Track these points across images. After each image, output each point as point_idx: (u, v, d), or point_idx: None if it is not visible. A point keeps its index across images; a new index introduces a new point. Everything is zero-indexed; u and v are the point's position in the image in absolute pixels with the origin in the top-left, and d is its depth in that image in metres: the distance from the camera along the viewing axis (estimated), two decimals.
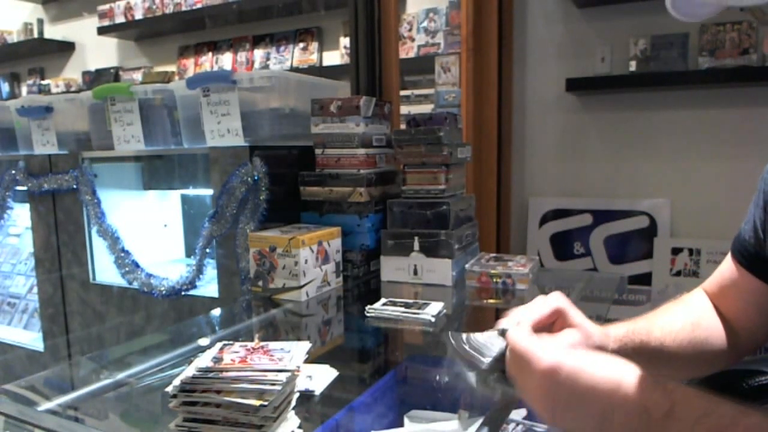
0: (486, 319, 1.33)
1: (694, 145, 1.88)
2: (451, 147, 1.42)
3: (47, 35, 3.76)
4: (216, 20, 3.08)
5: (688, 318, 0.85)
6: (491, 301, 1.33)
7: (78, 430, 0.77)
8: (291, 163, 1.53)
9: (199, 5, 2.99)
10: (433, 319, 1.15)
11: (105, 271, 1.81)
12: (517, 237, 2.12)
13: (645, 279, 1.92)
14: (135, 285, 1.69)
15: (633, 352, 0.78)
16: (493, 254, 1.53)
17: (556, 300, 0.74)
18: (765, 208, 0.79)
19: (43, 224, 1.88)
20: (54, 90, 3.69)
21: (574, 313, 0.74)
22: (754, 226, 0.81)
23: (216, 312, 1.43)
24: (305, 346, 0.72)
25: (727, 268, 0.87)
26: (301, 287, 1.27)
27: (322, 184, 1.48)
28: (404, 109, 2.28)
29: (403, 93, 2.32)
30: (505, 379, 0.68)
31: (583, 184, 2.04)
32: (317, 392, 0.84)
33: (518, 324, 0.69)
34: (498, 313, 1.32)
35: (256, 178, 1.42)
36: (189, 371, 0.65)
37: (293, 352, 0.70)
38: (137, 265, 1.71)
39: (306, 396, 0.82)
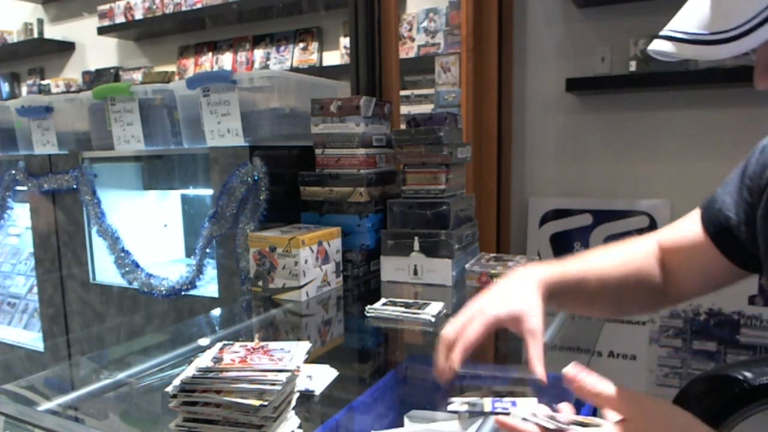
0: None
1: (694, 145, 1.88)
2: (451, 147, 1.42)
3: (47, 35, 3.76)
4: (216, 20, 3.08)
5: (630, 262, 0.88)
6: None
7: (78, 430, 0.77)
8: (291, 163, 1.53)
9: (199, 5, 2.99)
10: (433, 319, 1.15)
11: (105, 271, 1.81)
12: (517, 237, 2.12)
13: None
14: (135, 285, 1.69)
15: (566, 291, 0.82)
16: (493, 254, 1.53)
17: (483, 317, 0.73)
18: (750, 188, 0.78)
19: (43, 224, 1.88)
20: (54, 90, 3.69)
21: (516, 311, 0.73)
22: (737, 202, 0.80)
23: (216, 312, 1.43)
24: (305, 346, 0.72)
25: (692, 230, 0.87)
26: (301, 287, 1.27)
27: (322, 184, 1.48)
28: (404, 109, 2.28)
29: (403, 93, 2.32)
30: None
31: (583, 184, 2.04)
32: (317, 392, 0.84)
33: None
34: None
35: (256, 178, 1.42)
36: (189, 371, 0.65)
37: (293, 352, 0.70)
38: (137, 265, 1.71)
39: (306, 396, 0.82)
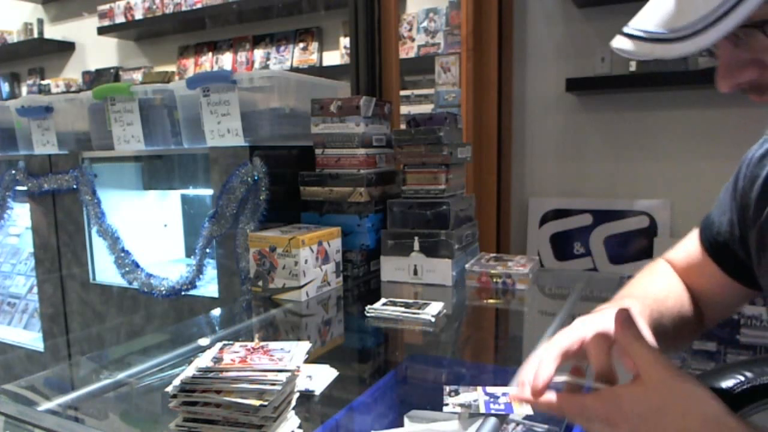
0: (486, 319, 1.33)
1: (694, 145, 1.88)
2: (451, 147, 1.42)
3: (47, 35, 3.76)
4: (216, 20, 3.08)
5: (676, 294, 0.85)
6: (491, 301, 1.33)
7: (78, 430, 0.77)
8: (291, 163, 1.53)
9: (199, 5, 2.99)
10: (433, 319, 1.15)
11: (105, 271, 1.81)
12: (517, 237, 2.12)
13: None
14: (135, 285, 1.69)
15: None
16: (493, 254, 1.53)
17: (584, 328, 0.67)
18: (742, 204, 0.79)
19: (43, 224, 1.88)
20: (54, 90, 3.69)
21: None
22: (731, 220, 0.81)
23: (216, 312, 1.43)
24: (305, 346, 0.72)
25: (695, 250, 0.86)
26: (301, 287, 1.27)
27: (322, 184, 1.48)
28: (404, 109, 2.28)
29: (403, 93, 2.32)
30: None
31: (583, 184, 2.04)
32: (317, 392, 0.84)
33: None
34: (498, 313, 1.33)
35: (256, 178, 1.42)
36: (189, 371, 0.65)
37: (293, 352, 0.70)
38: (137, 265, 1.71)
39: (306, 396, 0.82)
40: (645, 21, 0.57)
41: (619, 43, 0.58)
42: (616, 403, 0.58)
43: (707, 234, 0.85)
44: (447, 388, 0.75)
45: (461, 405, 0.71)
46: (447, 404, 0.72)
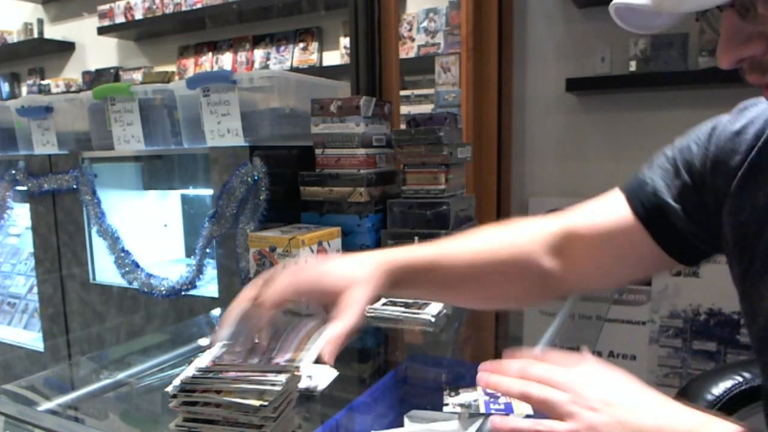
0: (486, 319, 1.33)
1: None
2: (451, 147, 1.42)
3: (47, 35, 3.76)
4: (216, 20, 3.08)
5: (511, 246, 0.78)
6: None
7: (78, 430, 0.77)
8: (291, 163, 1.53)
9: (199, 5, 2.99)
10: (433, 319, 1.15)
11: (105, 271, 1.80)
12: None
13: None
14: (135, 285, 1.69)
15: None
16: None
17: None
18: (712, 169, 0.71)
19: (43, 224, 1.88)
20: (54, 90, 3.69)
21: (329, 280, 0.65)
22: (672, 186, 0.74)
23: (216, 312, 1.43)
24: (319, 345, 0.71)
25: (615, 214, 0.76)
26: None
27: (322, 184, 1.48)
28: (404, 109, 2.28)
29: (403, 93, 2.32)
30: None
31: (583, 184, 2.04)
32: (317, 392, 0.84)
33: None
34: (498, 313, 1.32)
35: (256, 178, 1.42)
36: (189, 371, 0.65)
37: (309, 348, 0.69)
38: (137, 265, 1.71)
39: (306, 396, 0.82)
40: None
41: None
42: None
43: (639, 196, 0.75)
44: (447, 388, 0.75)
45: (461, 405, 0.71)
46: (447, 404, 0.72)
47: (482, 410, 0.69)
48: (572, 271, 0.78)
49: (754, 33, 0.54)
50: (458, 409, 0.70)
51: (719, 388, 0.94)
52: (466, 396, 0.73)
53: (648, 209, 0.74)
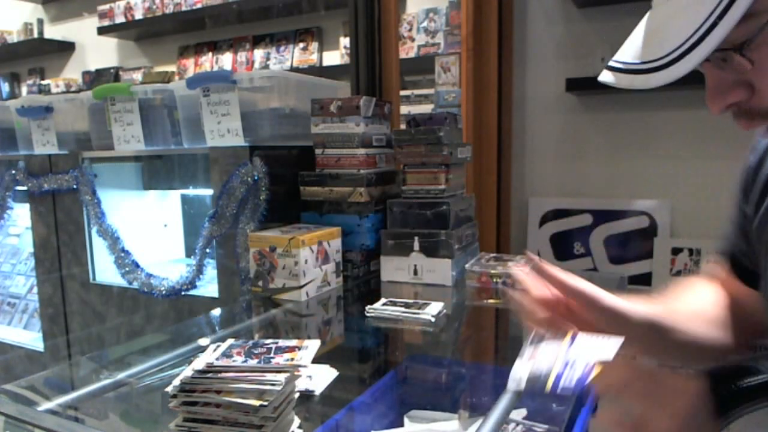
0: (486, 319, 1.33)
1: (694, 145, 1.88)
2: (451, 147, 1.42)
3: (47, 35, 3.76)
4: (216, 20, 3.08)
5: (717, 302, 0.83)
6: (491, 301, 1.33)
7: (78, 430, 0.77)
8: (291, 163, 1.53)
9: (199, 5, 2.99)
10: (433, 319, 1.15)
11: (105, 271, 1.81)
12: (517, 237, 2.12)
13: (645, 279, 1.92)
14: (135, 285, 1.69)
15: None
16: (493, 254, 1.53)
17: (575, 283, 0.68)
18: (740, 209, 0.79)
19: (43, 224, 1.88)
20: (54, 90, 3.69)
21: (602, 296, 0.68)
22: (735, 228, 0.82)
23: (216, 312, 1.43)
24: (315, 344, 0.71)
25: (719, 265, 0.87)
26: (301, 287, 1.27)
27: (322, 184, 1.48)
28: (404, 109, 2.28)
29: (403, 93, 2.32)
30: None
31: (583, 184, 2.04)
32: (317, 392, 0.84)
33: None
34: (498, 313, 1.33)
35: (256, 178, 1.42)
36: (189, 371, 0.65)
37: (302, 352, 0.69)
38: (137, 265, 1.71)
39: (306, 396, 0.82)
40: (624, 53, 0.60)
41: (604, 76, 0.61)
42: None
43: (722, 246, 0.86)
44: (530, 336, 0.66)
45: (530, 374, 0.61)
46: (521, 356, 0.63)
47: (549, 386, 0.59)
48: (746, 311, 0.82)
49: (736, 81, 0.57)
50: (522, 384, 0.60)
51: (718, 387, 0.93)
52: (540, 363, 0.62)
53: (727, 255, 0.84)
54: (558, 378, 0.59)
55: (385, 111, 1.58)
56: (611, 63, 0.60)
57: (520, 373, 0.61)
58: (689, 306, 0.80)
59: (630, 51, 0.59)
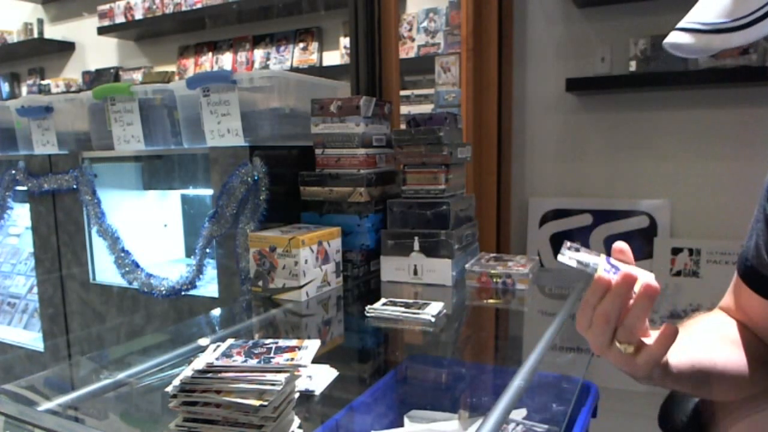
0: (486, 319, 1.33)
1: (694, 145, 1.88)
2: (451, 147, 1.42)
3: (47, 35, 3.76)
4: (216, 20, 3.09)
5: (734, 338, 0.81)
6: (491, 301, 1.33)
7: (78, 430, 0.77)
8: (291, 163, 1.53)
9: (199, 5, 2.99)
10: (433, 319, 1.15)
11: (105, 271, 1.80)
12: (517, 237, 2.12)
13: None
14: (135, 285, 1.69)
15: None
16: (493, 254, 1.53)
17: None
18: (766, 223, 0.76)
19: (43, 224, 1.88)
20: (54, 90, 3.69)
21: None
22: (756, 244, 0.78)
23: (216, 312, 1.43)
24: (315, 344, 0.71)
25: (735, 284, 0.84)
26: (301, 287, 1.27)
27: (322, 184, 1.48)
28: (404, 109, 2.29)
29: (403, 93, 2.32)
30: None
31: (583, 184, 2.04)
32: (317, 392, 0.84)
33: None
34: (498, 313, 1.33)
35: (256, 178, 1.42)
36: (188, 371, 0.65)
37: (302, 352, 0.69)
38: (137, 265, 1.71)
39: (306, 396, 0.82)
40: (703, 13, 0.57)
41: (675, 38, 0.58)
42: None
43: (740, 263, 0.82)
44: (567, 243, 0.69)
45: (579, 261, 0.65)
46: (563, 254, 0.66)
47: (600, 272, 0.64)
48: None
49: None
50: (573, 263, 0.64)
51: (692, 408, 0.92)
52: (586, 256, 0.66)
53: (746, 272, 0.81)
54: (606, 263, 0.63)
55: (385, 111, 1.58)
56: (683, 24, 0.57)
57: (569, 253, 0.65)
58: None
59: (710, 10, 0.56)
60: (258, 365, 0.65)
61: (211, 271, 1.58)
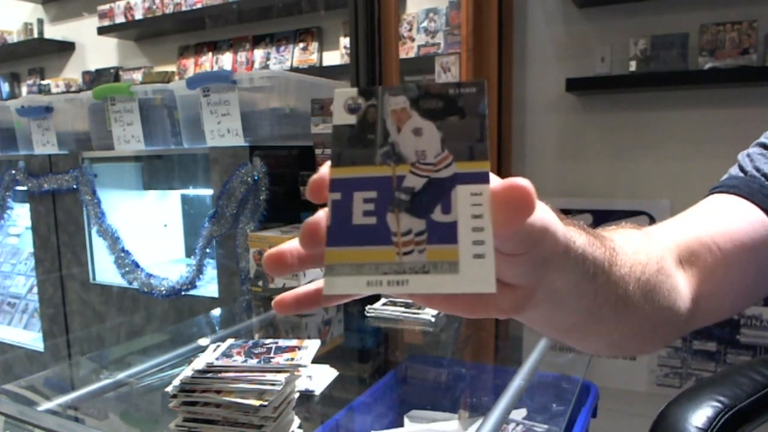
0: (486, 319, 1.33)
1: (694, 145, 1.88)
2: None
3: (47, 35, 3.76)
4: (216, 20, 3.08)
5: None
6: None
7: (78, 430, 0.77)
8: (291, 163, 1.53)
9: (199, 5, 2.99)
10: (433, 319, 1.15)
11: (105, 271, 1.80)
12: None
13: None
14: (135, 285, 1.69)
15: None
16: None
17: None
18: None
19: (43, 224, 1.88)
20: (54, 90, 3.69)
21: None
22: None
23: (216, 312, 1.43)
24: (315, 343, 0.71)
25: (744, 218, 0.61)
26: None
27: None
28: None
29: None
30: None
31: (583, 184, 2.04)
32: (317, 392, 0.84)
33: None
34: None
35: (256, 178, 1.42)
36: (188, 371, 0.65)
37: (302, 352, 0.69)
38: (137, 265, 1.71)
39: (306, 396, 0.82)
40: None
41: None
42: None
43: (760, 193, 0.62)
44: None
45: None
46: None
47: None
48: (709, 295, 0.57)
49: None
50: None
51: (701, 418, 0.89)
52: None
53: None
54: None
55: None
56: None
57: None
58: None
59: None
60: (258, 365, 0.65)
61: (211, 271, 1.58)
